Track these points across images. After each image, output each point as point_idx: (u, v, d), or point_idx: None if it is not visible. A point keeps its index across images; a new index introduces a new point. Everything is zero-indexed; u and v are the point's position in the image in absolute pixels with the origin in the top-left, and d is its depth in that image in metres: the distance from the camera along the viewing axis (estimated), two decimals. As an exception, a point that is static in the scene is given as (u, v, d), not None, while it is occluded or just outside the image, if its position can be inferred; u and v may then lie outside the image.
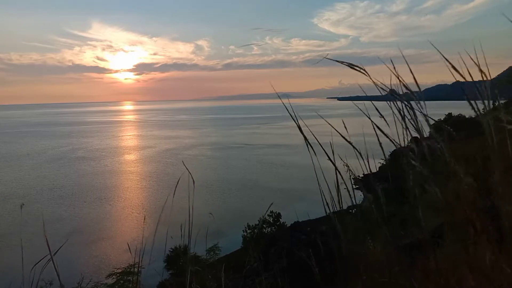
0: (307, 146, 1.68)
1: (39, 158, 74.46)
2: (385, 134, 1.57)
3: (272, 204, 26.35)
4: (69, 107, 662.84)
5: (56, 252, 1.70)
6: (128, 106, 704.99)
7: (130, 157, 77.37)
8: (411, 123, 1.53)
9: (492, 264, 1.29)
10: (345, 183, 1.77)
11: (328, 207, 1.70)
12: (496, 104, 1.48)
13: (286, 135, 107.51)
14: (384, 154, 1.70)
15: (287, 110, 1.66)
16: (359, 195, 1.83)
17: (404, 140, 1.58)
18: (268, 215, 25.58)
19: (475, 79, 1.51)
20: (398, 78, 1.56)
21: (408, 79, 1.64)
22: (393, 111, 1.58)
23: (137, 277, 1.85)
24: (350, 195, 1.72)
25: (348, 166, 1.82)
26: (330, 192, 1.74)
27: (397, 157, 1.59)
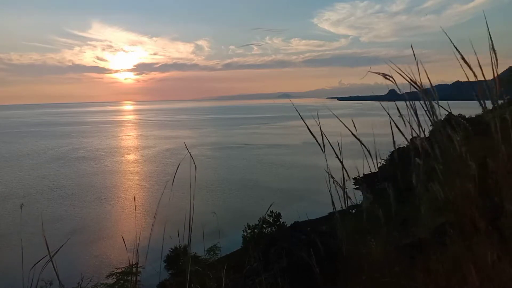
0: (320, 146, 1.67)
1: (39, 158, 74.44)
2: (401, 133, 1.57)
3: (272, 204, 26.34)
4: (69, 107, 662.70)
5: (55, 253, 1.70)
6: (128, 106, 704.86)
7: (130, 157, 77.35)
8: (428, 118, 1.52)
9: (494, 264, 1.29)
10: (345, 183, 1.76)
11: (334, 206, 1.69)
12: (496, 104, 1.48)
13: (286, 135, 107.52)
14: (394, 151, 1.70)
15: (296, 110, 1.65)
16: (359, 195, 1.82)
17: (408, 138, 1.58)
18: (268, 215, 25.57)
19: (474, 79, 1.51)
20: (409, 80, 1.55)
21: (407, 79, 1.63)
22: (408, 110, 1.57)
23: (136, 277, 1.85)
24: (345, 195, 1.72)
25: (344, 167, 1.82)
26: (331, 192, 1.74)
27: (401, 156, 1.58)
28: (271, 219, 26.14)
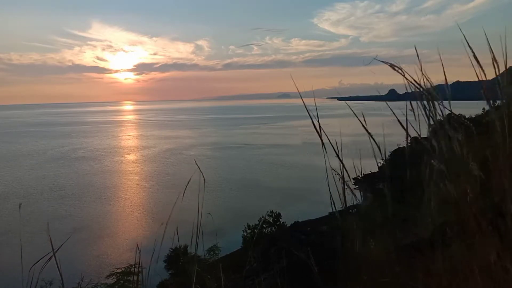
0: (325, 145, 1.67)
1: (39, 158, 74.46)
2: (405, 130, 1.56)
3: (271, 204, 26.34)
4: (69, 107, 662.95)
5: (57, 251, 1.70)
6: (128, 106, 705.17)
7: (130, 157, 77.38)
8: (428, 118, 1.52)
9: (495, 263, 1.29)
10: (344, 183, 1.76)
11: (334, 206, 1.69)
12: (496, 104, 1.48)
13: (286, 135, 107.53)
14: (411, 150, 1.70)
15: (306, 110, 1.65)
16: (358, 195, 1.82)
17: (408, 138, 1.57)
18: (268, 215, 25.58)
19: (475, 79, 1.51)
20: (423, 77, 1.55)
21: (408, 79, 1.63)
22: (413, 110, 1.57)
23: (137, 277, 1.84)
24: (342, 195, 1.72)
25: (344, 166, 1.82)
26: (330, 193, 1.74)
27: (402, 155, 1.58)
28: (271, 219, 26.14)
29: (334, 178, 1.74)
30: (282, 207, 29.66)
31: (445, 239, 1.50)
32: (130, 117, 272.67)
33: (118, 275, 14.17)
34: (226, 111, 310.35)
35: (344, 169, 1.66)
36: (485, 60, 1.53)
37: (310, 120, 1.64)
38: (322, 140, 1.67)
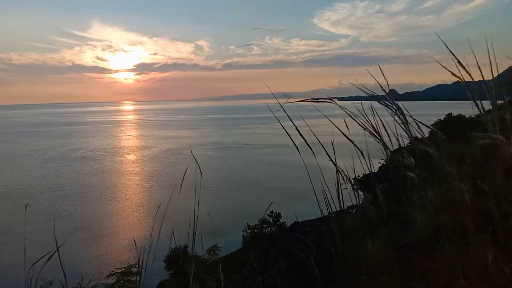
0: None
1: (39, 158, 74.45)
2: (406, 131, 1.56)
3: (271, 203, 26.33)
4: (69, 107, 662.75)
5: (56, 251, 1.70)
6: (128, 106, 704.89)
7: (130, 157, 77.37)
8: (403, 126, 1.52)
9: (491, 264, 1.29)
10: (345, 183, 1.76)
11: (330, 207, 1.69)
12: (497, 104, 1.48)
13: (286, 135, 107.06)
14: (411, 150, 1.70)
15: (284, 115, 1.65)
16: (358, 195, 1.82)
17: (401, 141, 1.58)
18: (268, 215, 25.56)
19: (475, 79, 1.51)
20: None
21: (408, 79, 1.63)
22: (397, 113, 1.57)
23: (138, 277, 1.84)
24: (339, 195, 1.72)
25: (337, 167, 1.82)
26: (327, 193, 1.73)
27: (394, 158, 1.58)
28: (271, 219, 26.12)
29: (334, 178, 1.74)
30: (282, 207, 29.63)
31: (443, 239, 1.50)
32: (130, 117, 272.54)
33: (118, 275, 14.16)
34: (226, 111, 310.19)
35: (338, 171, 1.66)
36: (485, 60, 1.53)
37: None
38: (319, 141, 1.67)
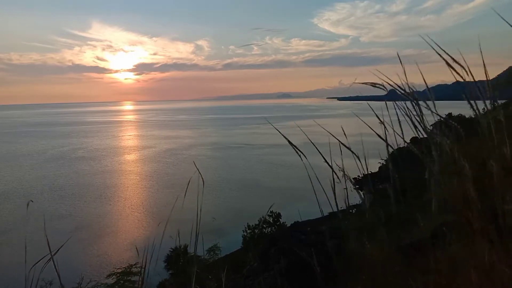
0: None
1: (39, 158, 74.44)
2: (380, 137, 1.57)
3: (272, 204, 26.35)
4: (69, 107, 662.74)
5: (56, 252, 1.70)
6: (128, 106, 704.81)
7: (130, 157, 77.36)
8: (417, 122, 1.52)
9: (493, 264, 1.29)
10: (346, 182, 1.76)
11: (337, 206, 1.69)
12: (496, 104, 1.48)
13: (286, 135, 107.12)
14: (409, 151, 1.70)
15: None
16: (355, 196, 1.82)
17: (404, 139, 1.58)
18: (268, 215, 25.56)
19: (475, 79, 1.51)
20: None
21: (409, 79, 1.63)
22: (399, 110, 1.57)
23: (139, 277, 1.85)
24: (334, 195, 1.72)
25: (332, 168, 1.82)
26: (327, 193, 1.73)
27: (398, 156, 1.58)
28: (271, 219, 26.13)
29: (334, 178, 1.74)
30: (282, 207, 29.64)
31: (444, 239, 1.50)
32: (130, 117, 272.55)
33: (118, 275, 14.17)
34: (226, 111, 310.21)
35: (333, 172, 1.66)
36: (484, 60, 1.52)
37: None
38: (310, 141, 1.66)
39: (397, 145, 1.63)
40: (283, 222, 26.06)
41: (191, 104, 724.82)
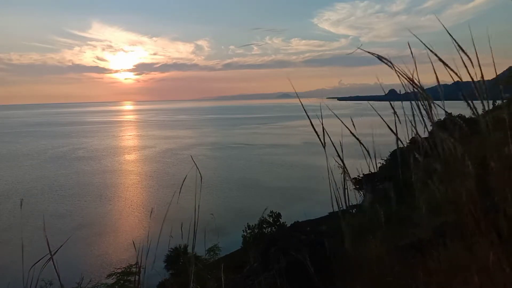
0: (324, 144, 1.67)
1: (39, 158, 74.45)
2: (394, 133, 1.57)
3: (271, 204, 26.33)
4: (69, 107, 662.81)
5: (55, 252, 1.70)
6: (128, 106, 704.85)
7: (130, 157, 77.37)
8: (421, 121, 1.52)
9: (493, 264, 1.29)
10: (349, 181, 1.76)
11: (334, 206, 1.69)
12: (496, 104, 1.48)
13: (286, 135, 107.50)
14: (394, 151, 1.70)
15: (304, 109, 1.65)
16: (355, 195, 1.82)
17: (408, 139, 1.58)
18: (268, 215, 25.57)
19: (475, 79, 1.51)
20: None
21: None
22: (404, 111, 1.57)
23: (139, 277, 1.84)
24: (342, 195, 1.72)
25: (345, 166, 1.82)
26: (330, 192, 1.73)
27: (401, 156, 1.58)
28: (271, 219, 26.12)
29: (334, 178, 1.74)
30: (282, 207, 29.65)
31: (444, 239, 1.50)
32: (130, 117, 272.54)
33: (118, 275, 14.17)
34: (226, 111, 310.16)
35: (345, 169, 1.66)
36: (485, 60, 1.53)
37: (312, 120, 1.64)
38: (323, 141, 1.67)
39: (400, 145, 1.63)
40: (283, 222, 26.06)
41: (191, 104, 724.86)
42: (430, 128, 1.58)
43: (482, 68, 1.48)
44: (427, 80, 1.70)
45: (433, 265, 1.50)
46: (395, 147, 1.61)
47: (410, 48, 1.69)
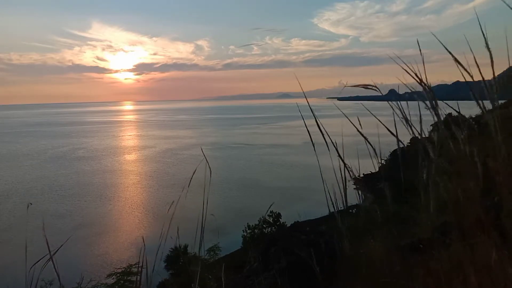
0: (313, 145, 1.68)
1: (39, 158, 74.45)
2: (392, 134, 1.57)
3: (272, 204, 26.35)
4: (69, 107, 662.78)
5: (55, 252, 1.70)
6: (128, 106, 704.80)
7: (130, 157, 77.37)
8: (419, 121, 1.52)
9: (495, 264, 1.29)
10: (344, 182, 1.76)
11: (333, 206, 1.69)
12: (496, 104, 1.48)
13: (286, 135, 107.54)
14: (395, 151, 1.70)
15: (299, 110, 1.65)
16: (354, 195, 1.82)
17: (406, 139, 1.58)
18: (268, 215, 25.57)
19: (475, 79, 1.51)
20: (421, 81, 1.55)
21: (409, 79, 1.63)
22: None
23: (140, 277, 1.84)
24: (344, 195, 1.72)
25: (345, 166, 1.81)
26: (330, 192, 1.73)
27: (403, 155, 1.58)
28: (271, 219, 26.13)
29: (335, 178, 1.74)
30: (282, 207, 29.64)
31: (445, 239, 1.50)
32: (130, 117, 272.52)
33: (118, 275, 14.17)
34: (226, 111, 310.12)
35: (345, 169, 1.66)
36: (485, 60, 1.53)
37: (311, 120, 1.64)
38: (325, 140, 1.67)
39: (401, 145, 1.63)
40: (283, 222, 26.06)
41: (191, 104, 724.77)
42: (431, 128, 1.58)
43: (481, 68, 1.48)
44: (426, 80, 1.70)
45: (434, 266, 1.50)
46: (395, 147, 1.61)
47: (419, 47, 1.68)
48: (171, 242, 2.15)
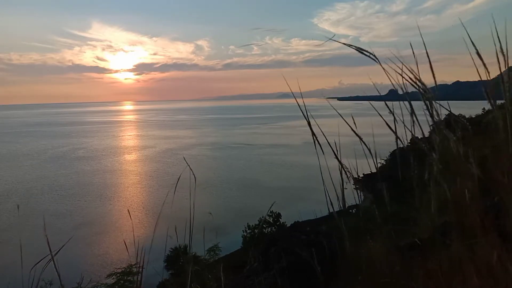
0: (315, 145, 1.68)
1: (39, 158, 74.45)
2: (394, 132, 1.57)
3: (272, 204, 26.34)
4: (69, 107, 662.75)
5: (56, 253, 1.70)
6: (128, 106, 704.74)
7: (130, 157, 77.36)
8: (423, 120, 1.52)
9: (495, 264, 1.29)
10: (348, 182, 1.76)
11: (332, 206, 1.69)
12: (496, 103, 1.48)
13: (286, 135, 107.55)
14: (395, 151, 1.70)
15: (300, 108, 1.65)
16: (354, 195, 1.82)
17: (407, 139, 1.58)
18: (268, 215, 25.57)
19: (475, 79, 1.51)
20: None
21: (408, 79, 1.63)
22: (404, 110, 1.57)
23: (138, 277, 1.85)
24: (342, 195, 1.72)
25: (343, 166, 1.82)
26: (327, 192, 1.74)
27: (402, 156, 1.58)
28: (271, 219, 26.13)
29: (332, 179, 1.74)
30: (282, 207, 29.64)
31: (445, 239, 1.50)
32: (130, 117, 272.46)
33: (118, 275, 14.15)
34: (226, 111, 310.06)
35: (342, 169, 1.66)
36: (486, 60, 1.53)
37: (311, 120, 1.64)
38: (316, 140, 1.67)
39: (401, 144, 1.63)
40: (283, 222, 26.06)
41: (191, 104, 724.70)
42: (431, 127, 1.58)
43: (486, 66, 1.48)
44: (426, 80, 1.70)
45: (434, 266, 1.50)
46: (395, 147, 1.61)
47: (420, 47, 1.69)
48: (172, 242, 2.15)
